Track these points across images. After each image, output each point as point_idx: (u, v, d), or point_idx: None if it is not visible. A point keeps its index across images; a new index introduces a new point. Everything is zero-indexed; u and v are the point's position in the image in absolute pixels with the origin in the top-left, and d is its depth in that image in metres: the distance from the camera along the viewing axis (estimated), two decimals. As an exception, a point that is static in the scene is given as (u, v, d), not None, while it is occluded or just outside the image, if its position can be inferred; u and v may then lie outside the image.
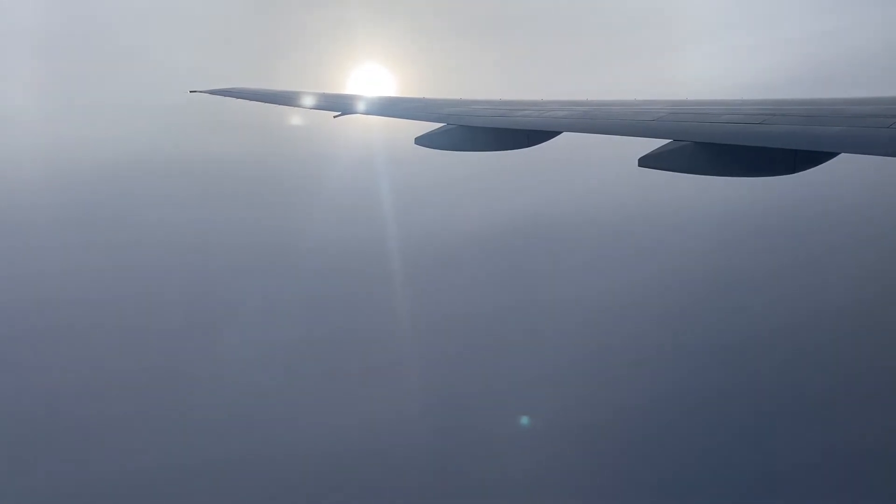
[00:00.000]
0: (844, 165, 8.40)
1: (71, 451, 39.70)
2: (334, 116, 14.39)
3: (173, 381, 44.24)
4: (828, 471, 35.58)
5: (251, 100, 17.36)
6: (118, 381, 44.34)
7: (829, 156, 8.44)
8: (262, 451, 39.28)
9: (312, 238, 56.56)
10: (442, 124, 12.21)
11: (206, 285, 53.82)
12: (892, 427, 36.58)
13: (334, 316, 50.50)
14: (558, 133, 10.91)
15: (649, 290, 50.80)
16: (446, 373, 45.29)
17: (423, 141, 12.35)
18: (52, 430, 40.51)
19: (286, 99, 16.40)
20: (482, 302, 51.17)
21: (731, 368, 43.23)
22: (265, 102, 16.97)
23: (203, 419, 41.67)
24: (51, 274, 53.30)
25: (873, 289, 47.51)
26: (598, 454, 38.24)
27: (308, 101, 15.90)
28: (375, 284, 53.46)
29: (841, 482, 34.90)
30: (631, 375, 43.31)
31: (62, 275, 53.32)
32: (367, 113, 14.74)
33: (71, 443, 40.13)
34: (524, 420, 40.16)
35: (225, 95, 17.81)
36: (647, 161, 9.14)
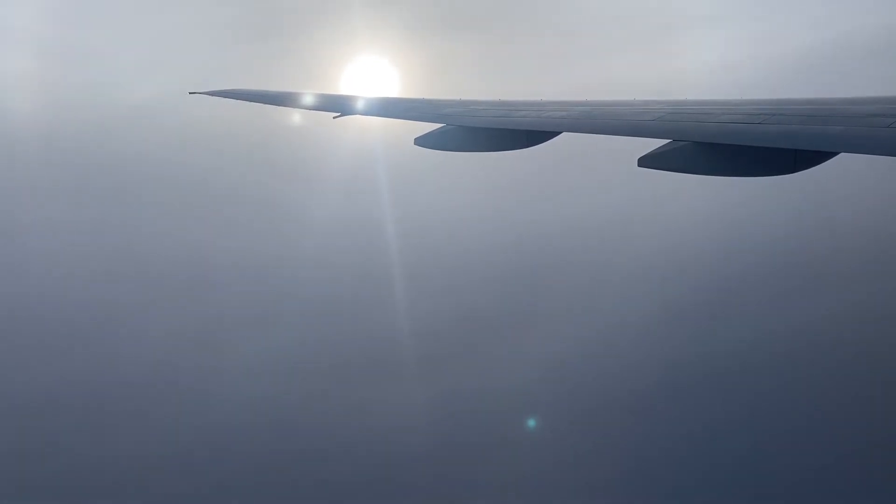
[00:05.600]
0: (844, 165, 8.39)
1: (71, 452, 39.67)
2: (334, 117, 14.37)
3: (172, 385, 44.20)
4: (826, 472, 35.57)
5: (250, 101, 17.32)
6: (117, 383, 44.31)
7: (829, 155, 8.42)
8: (262, 453, 39.26)
9: (311, 239, 56.51)
10: (441, 125, 12.20)
11: (204, 288, 53.74)
12: (892, 428, 36.55)
13: (333, 318, 50.43)
14: (558, 133, 10.90)
15: (648, 290, 50.77)
16: (447, 375, 45.26)
17: (422, 141, 12.35)
18: (48, 432, 40.50)
19: (285, 100, 16.37)
20: (482, 302, 51.12)
21: (730, 368, 43.19)
22: (264, 103, 16.93)
23: (204, 421, 41.64)
24: (44, 276, 53.19)
25: (874, 289, 47.47)
26: (598, 455, 38.22)
27: (307, 101, 15.87)
28: (375, 285, 53.41)
29: (840, 484, 34.88)
30: (629, 375, 43.27)
31: (56, 277, 53.21)
32: (366, 113, 14.71)
33: (72, 444, 40.11)
34: (531, 422, 40.11)
35: (224, 97, 17.77)
36: (646, 161, 9.13)
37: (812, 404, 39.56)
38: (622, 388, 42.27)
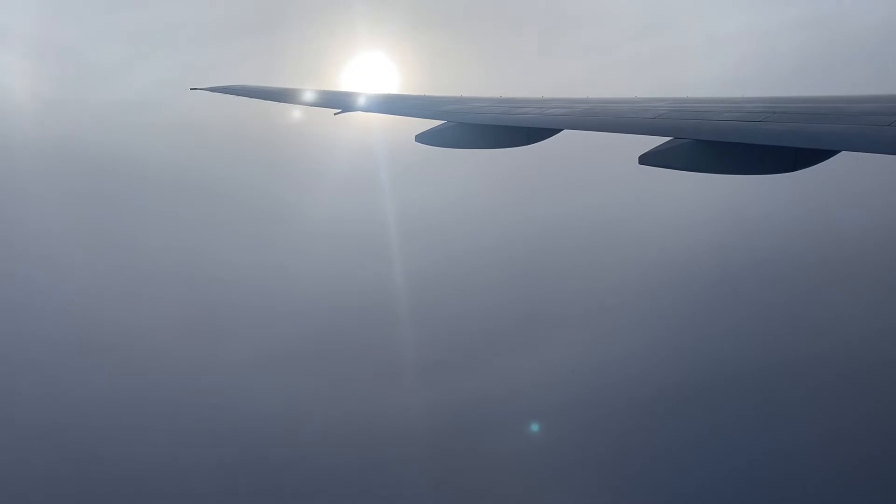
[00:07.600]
0: (845, 163, 8.40)
1: (72, 452, 39.75)
2: (334, 114, 14.37)
3: (171, 385, 44.22)
4: (824, 471, 35.63)
5: (251, 97, 17.34)
6: (117, 386, 44.34)
7: (830, 154, 8.41)
8: (261, 454, 39.31)
9: (311, 236, 56.49)
10: (442, 122, 12.19)
11: (203, 288, 53.73)
12: (891, 428, 36.61)
13: (333, 318, 50.42)
14: (559, 130, 10.89)
15: (649, 288, 50.78)
16: (447, 374, 45.28)
17: (423, 138, 12.35)
18: (51, 433, 40.57)
19: (286, 96, 16.40)
20: (482, 300, 51.12)
21: (730, 368, 43.22)
22: (265, 99, 16.96)
23: (202, 422, 41.70)
24: (43, 277, 53.12)
25: (873, 288, 47.48)
26: (597, 456, 38.27)
27: (308, 98, 15.89)
28: (375, 283, 53.41)
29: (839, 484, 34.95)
30: (630, 375, 43.31)
31: (56, 278, 53.14)
32: (367, 110, 14.72)
33: (72, 445, 40.19)
34: (534, 427, 40.12)
35: (225, 93, 17.80)
36: (647, 159, 9.13)
37: (812, 405, 39.58)
38: (623, 388, 42.31)
